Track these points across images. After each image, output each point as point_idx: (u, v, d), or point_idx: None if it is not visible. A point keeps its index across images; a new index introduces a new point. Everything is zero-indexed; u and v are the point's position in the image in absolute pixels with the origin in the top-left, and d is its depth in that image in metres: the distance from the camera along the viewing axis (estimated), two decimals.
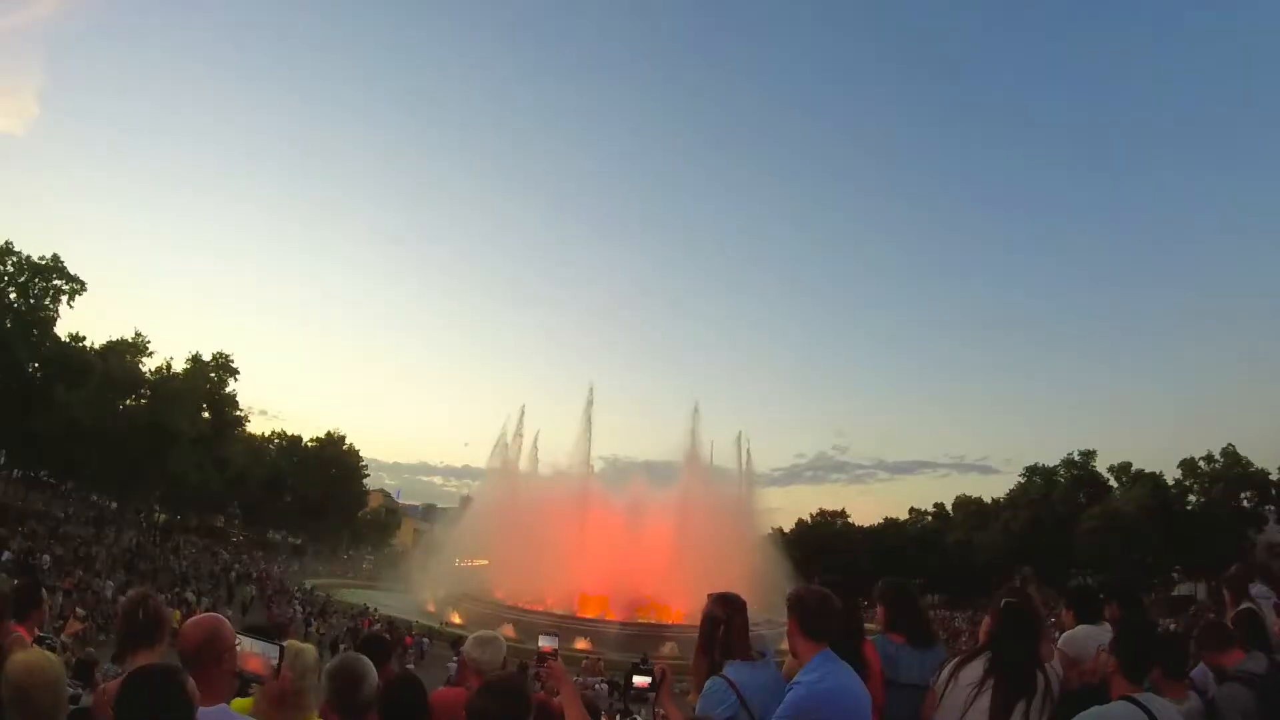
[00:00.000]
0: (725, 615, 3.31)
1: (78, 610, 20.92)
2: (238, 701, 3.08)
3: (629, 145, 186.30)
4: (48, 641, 4.39)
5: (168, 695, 2.08)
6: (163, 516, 58.30)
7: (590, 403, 48.65)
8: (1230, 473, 55.92)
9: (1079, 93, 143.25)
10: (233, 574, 40.90)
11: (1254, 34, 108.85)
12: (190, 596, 29.76)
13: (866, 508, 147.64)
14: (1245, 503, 56.18)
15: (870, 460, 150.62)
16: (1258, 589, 5.67)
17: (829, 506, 77.70)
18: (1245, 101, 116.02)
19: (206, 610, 16.82)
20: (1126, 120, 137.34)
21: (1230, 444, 56.70)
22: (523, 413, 51.24)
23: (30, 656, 2.64)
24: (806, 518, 76.22)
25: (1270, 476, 55.67)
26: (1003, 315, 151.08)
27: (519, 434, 50.07)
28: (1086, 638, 4.18)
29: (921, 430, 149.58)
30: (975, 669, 3.35)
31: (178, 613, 24.10)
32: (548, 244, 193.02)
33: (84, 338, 44.46)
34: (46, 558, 29.22)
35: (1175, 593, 56.55)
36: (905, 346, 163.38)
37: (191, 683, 2.17)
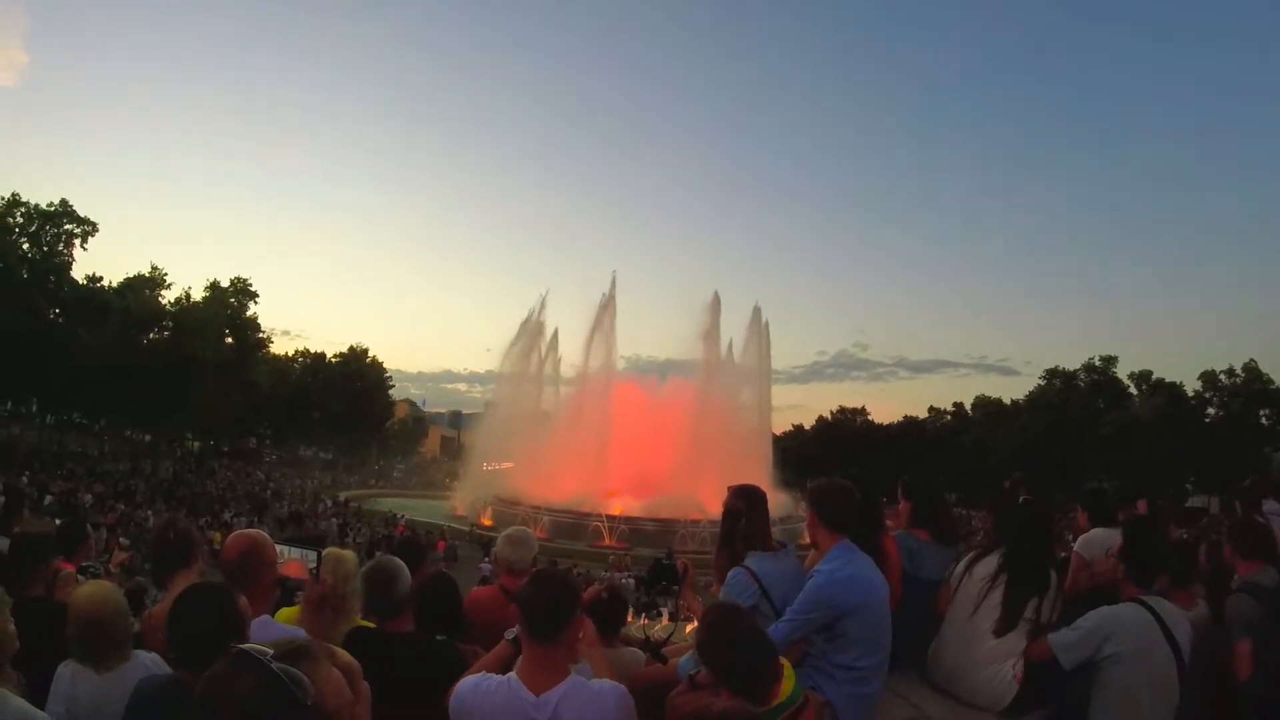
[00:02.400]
0: (746, 507, 3.34)
1: (121, 540, 21.56)
2: (285, 611, 3.20)
3: (646, 36, 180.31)
4: (92, 570, 4.53)
5: (220, 612, 2.15)
6: (196, 444, 59.58)
7: (613, 284, 47.30)
8: (1250, 388, 55.46)
9: None
10: (267, 493, 42.05)
11: None
12: (228, 517, 30.80)
13: (886, 406, 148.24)
14: (1263, 420, 55.87)
15: (891, 358, 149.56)
16: (1270, 505, 5.71)
17: (849, 404, 77.52)
18: None
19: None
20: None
21: (1252, 359, 56.19)
22: (543, 304, 50.42)
23: (94, 589, 2.71)
24: (827, 415, 76.54)
25: None
26: (1033, 214, 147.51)
27: (540, 320, 49.78)
28: (1103, 540, 4.26)
29: (943, 329, 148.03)
30: (989, 564, 3.43)
31: (218, 534, 25.06)
32: (566, 145, 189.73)
33: (101, 278, 44.60)
34: (88, 496, 29.71)
35: (1188, 504, 57.02)
36: (929, 243, 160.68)
37: (243, 599, 2.25)
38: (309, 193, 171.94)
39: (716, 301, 47.25)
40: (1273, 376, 55.36)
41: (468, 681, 2.39)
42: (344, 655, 1.72)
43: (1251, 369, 55.84)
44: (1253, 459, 50.41)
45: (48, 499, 27.27)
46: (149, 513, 29.17)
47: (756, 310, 48.90)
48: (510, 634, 2.72)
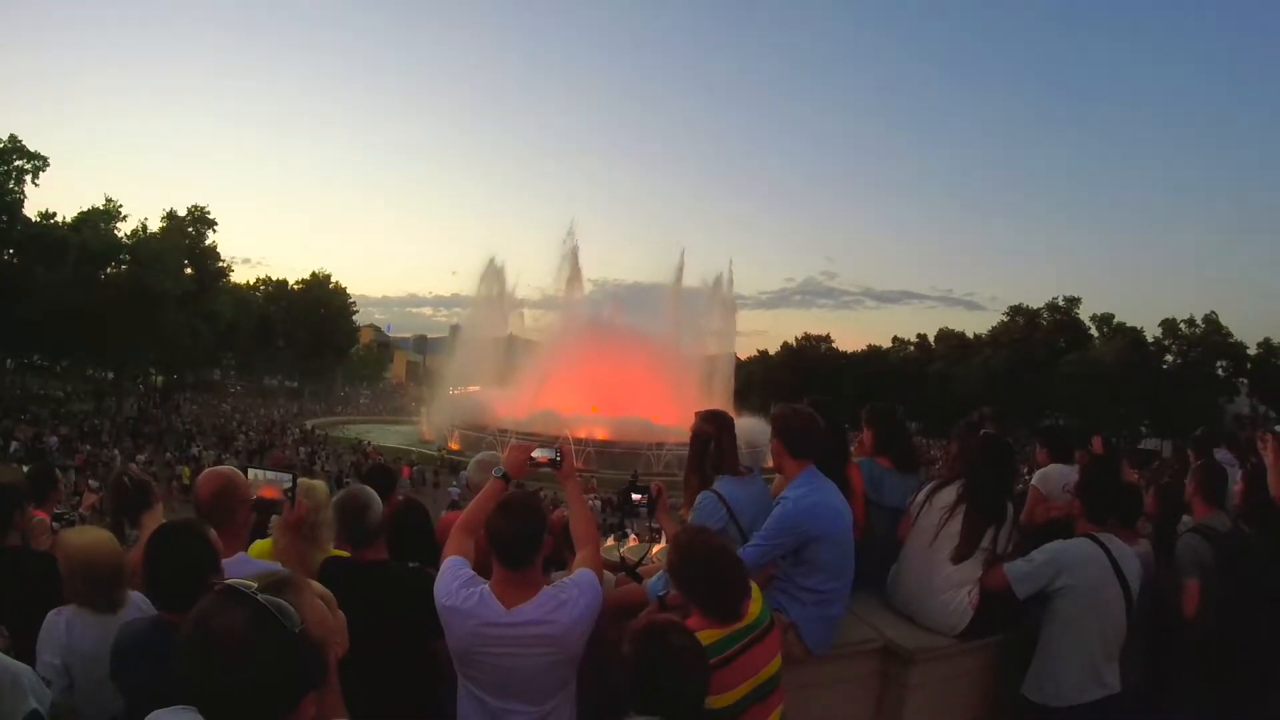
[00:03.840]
0: (715, 431, 3.35)
1: (90, 482, 21.40)
2: (258, 544, 3.22)
3: None
4: (66, 517, 4.48)
5: (194, 548, 2.18)
6: (160, 379, 58.84)
7: (571, 234, 49.39)
8: (1209, 339, 57.10)
9: None
10: (234, 424, 41.85)
11: None
12: (195, 451, 30.62)
13: (852, 334, 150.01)
14: (1220, 371, 57.79)
15: (858, 287, 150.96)
16: (1222, 454, 5.88)
17: (815, 331, 78.72)
18: None
19: (214, 464, 17.32)
20: None
21: (1213, 311, 57.84)
22: (495, 266, 51.41)
23: (89, 534, 2.68)
24: (792, 341, 77.25)
25: (1248, 350, 57.06)
26: (1005, 153, 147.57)
27: (497, 270, 50.74)
28: (1060, 476, 4.40)
29: (911, 261, 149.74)
30: (949, 494, 3.50)
31: (186, 469, 24.89)
32: (534, 62, 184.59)
33: (55, 214, 42.98)
34: (54, 439, 29.34)
35: (1140, 446, 58.96)
36: (901, 175, 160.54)
37: (213, 533, 2.26)
38: (266, 116, 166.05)
39: (681, 263, 49.71)
40: (1232, 330, 57.32)
41: (452, 584, 2.44)
42: (318, 586, 1.74)
43: (1212, 321, 57.47)
44: (1207, 408, 52.24)
45: (13, 445, 26.90)
46: (116, 451, 28.89)
47: (716, 281, 50.44)
48: (498, 471, 2.82)
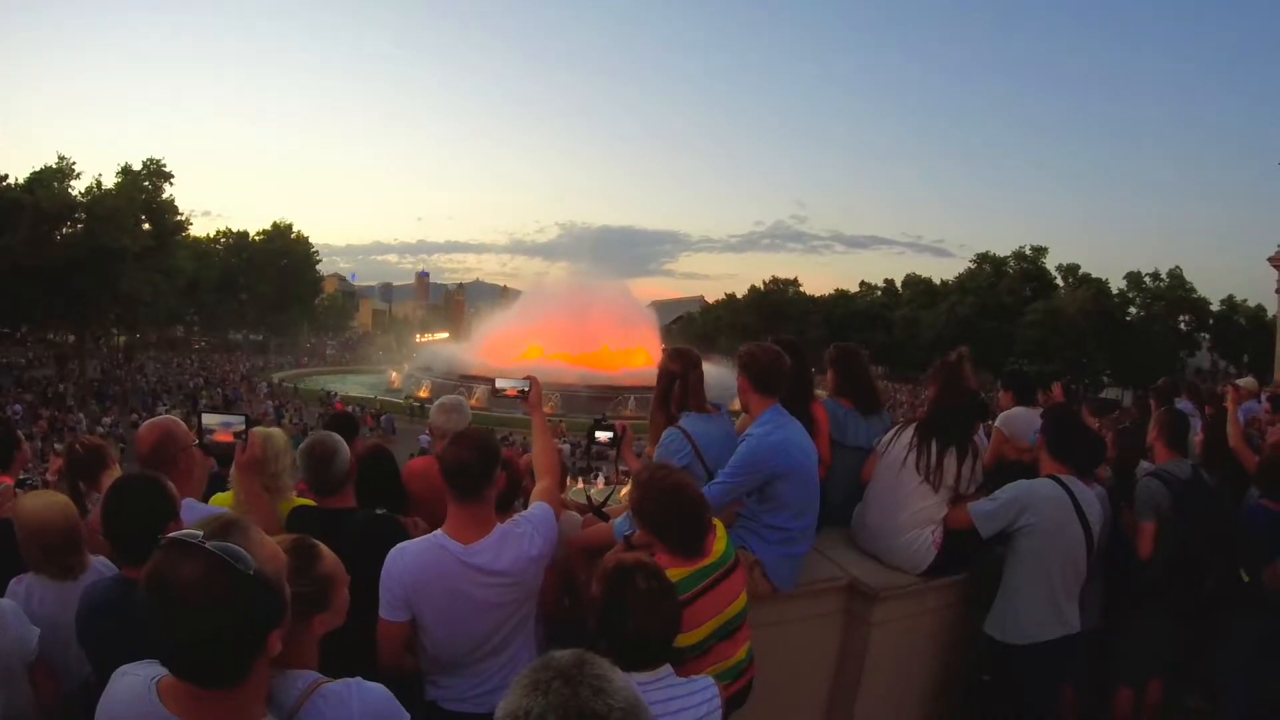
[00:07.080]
0: (681, 369, 3.33)
1: (56, 447, 21.15)
2: (219, 496, 3.15)
3: None
4: (29, 482, 4.39)
5: (149, 497, 2.16)
6: (122, 339, 57.65)
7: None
8: (1173, 294, 58.35)
9: None
10: (199, 381, 41.32)
11: None
12: (162, 411, 30.20)
13: (820, 278, 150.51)
14: (1182, 325, 59.23)
15: (828, 232, 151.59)
16: (1183, 404, 6.04)
17: (783, 275, 78.52)
18: None
19: None
20: None
21: (1178, 267, 59.09)
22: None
23: (39, 501, 2.62)
24: (759, 285, 77.53)
25: (1211, 306, 58.50)
26: (977, 100, 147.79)
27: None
28: (1024, 418, 4.47)
29: (882, 206, 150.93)
30: (913, 430, 3.54)
31: None
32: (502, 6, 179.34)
33: (6, 176, 41.29)
34: (18, 407, 28.93)
35: (1102, 395, 60.18)
36: (873, 118, 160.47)
37: (170, 484, 2.24)
38: (221, 65, 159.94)
39: None
40: (1195, 286, 58.61)
41: (391, 551, 2.42)
42: (327, 552, 1.74)
43: (1176, 275, 58.81)
44: (1168, 361, 53.69)
45: None
46: (81, 415, 28.48)
47: None
48: None
